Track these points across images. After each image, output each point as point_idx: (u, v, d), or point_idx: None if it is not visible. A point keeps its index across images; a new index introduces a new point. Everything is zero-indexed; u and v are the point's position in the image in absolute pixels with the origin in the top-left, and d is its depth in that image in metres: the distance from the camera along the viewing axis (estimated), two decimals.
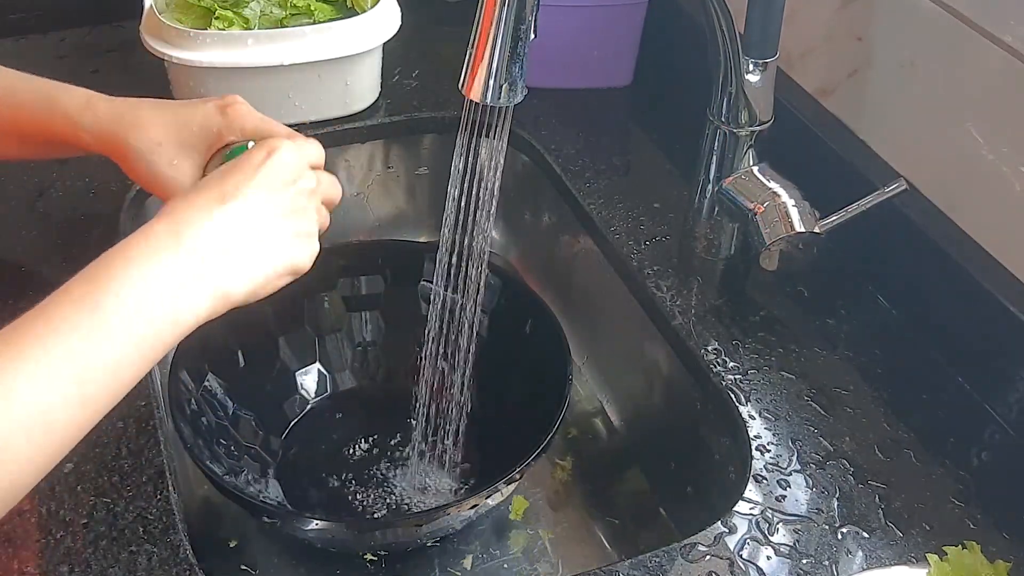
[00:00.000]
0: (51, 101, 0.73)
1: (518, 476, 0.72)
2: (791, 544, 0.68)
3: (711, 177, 0.85)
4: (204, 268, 0.57)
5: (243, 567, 0.81)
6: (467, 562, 0.81)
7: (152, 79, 0.99)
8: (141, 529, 0.66)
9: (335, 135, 1.03)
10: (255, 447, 0.84)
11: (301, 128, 1.01)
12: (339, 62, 0.98)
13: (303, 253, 0.64)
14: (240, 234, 0.60)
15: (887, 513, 0.70)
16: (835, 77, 0.89)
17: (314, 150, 0.68)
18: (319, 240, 0.67)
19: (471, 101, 0.68)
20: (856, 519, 0.69)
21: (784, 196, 0.81)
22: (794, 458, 0.73)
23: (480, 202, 0.75)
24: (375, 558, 0.79)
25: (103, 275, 0.54)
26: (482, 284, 0.79)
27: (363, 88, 1.03)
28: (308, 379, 0.90)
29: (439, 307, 0.80)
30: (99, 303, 0.53)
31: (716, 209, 0.86)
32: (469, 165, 0.74)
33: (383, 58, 1.04)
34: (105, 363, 0.52)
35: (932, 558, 0.64)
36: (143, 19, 0.96)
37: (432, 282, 0.80)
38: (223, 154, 0.71)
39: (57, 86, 0.75)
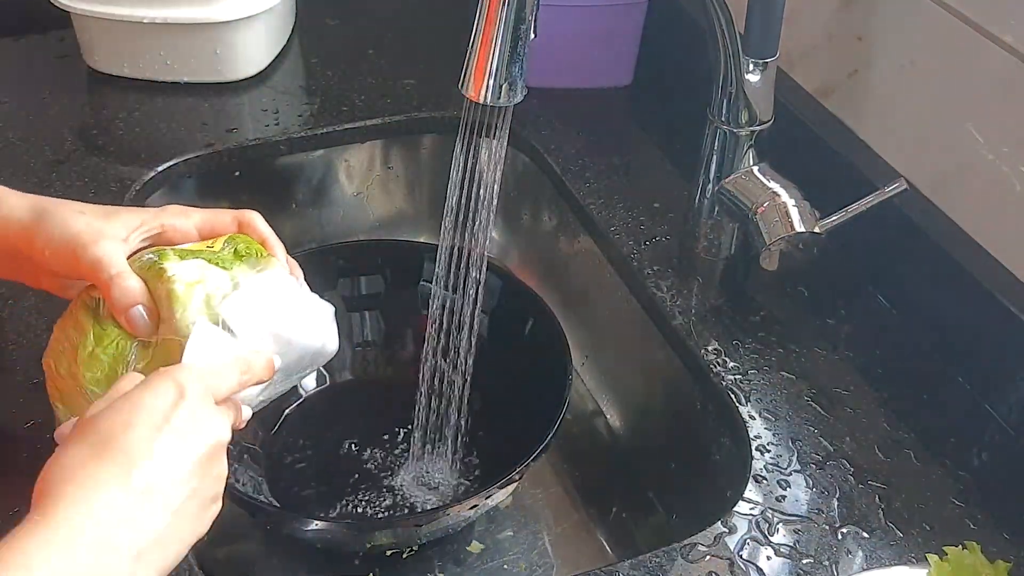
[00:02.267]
0: None
1: (518, 476, 0.72)
2: (791, 544, 0.67)
3: (711, 177, 0.85)
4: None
5: (243, 567, 0.81)
6: (467, 562, 0.81)
7: None
8: None
9: (335, 135, 1.03)
10: (254, 447, 0.84)
11: (177, 87, 1.05)
12: (205, 27, 1.02)
13: (206, 523, 0.55)
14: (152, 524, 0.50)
15: (887, 513, 0.70)
16: (835, 77, 0.89)
17: (216, 373, 0.58)
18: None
19: (471, 101, 0.68)
20: (856, 519, 0.69)
21: (784, 196, 0.81)
22: (794, 458, 0.73)
23: (480, 202, 0.75)
24: (374, 558, 0.79)
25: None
26: (482, 284, 0.79)
27: (236, 57, 1.05)
28: (308, 379, 0.90)
29: (439, 307, 0.80)
30: None
31: (716, 209, 0.86)
32: (469, 165, 0.73)
33: (384, 57, 1.04)
34: None
35: (932, 558, 0.64)
36: None
37: (432, 282, 0.80)
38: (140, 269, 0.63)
39: None
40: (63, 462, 0.50)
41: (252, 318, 0.62)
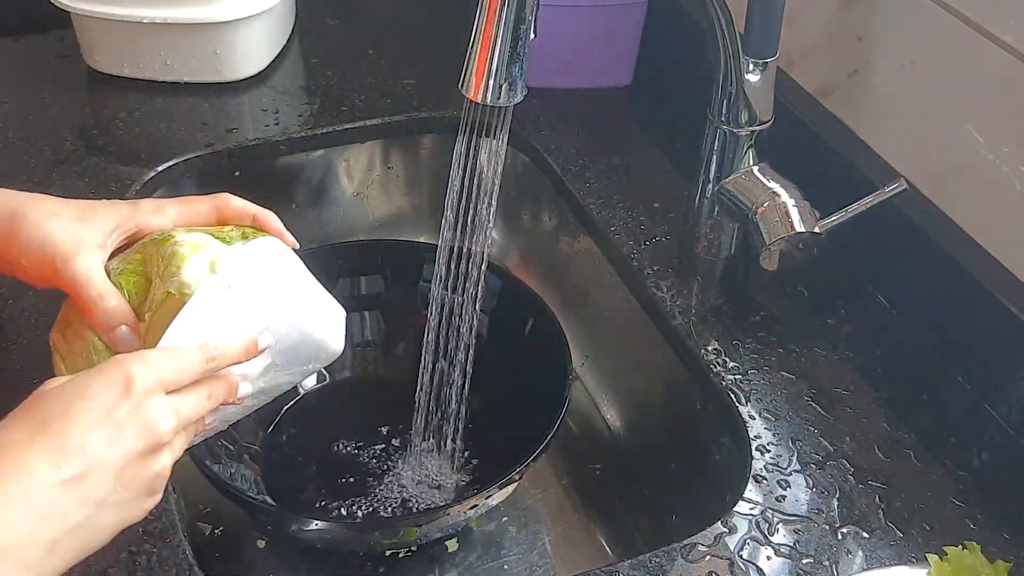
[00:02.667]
0: None
1: (518, 476, 0.72)
2: (791, 544, 0.67)
3: (711, 177, 0.85)
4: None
5: (242, 566, 0.81)
6: (467, 562, 0.81)
7: None
8: (141, 529, 0.66)
9: (335, 135, 1.03)
10: (255, 447, 0.84)
11: (177, 87, 1.05)
12: (205, 27, 1.02)
13: (137, 514, 0.54)
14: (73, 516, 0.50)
15: (887, 513, 0.70)
16: (835, 77, 0.89)
17: (175, 363, 0.56)
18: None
19: (471, 101, 0.68)
20: (856, 519, 0.69)
21: (784, 196, 0.81)
22: (794, 458, 0.73)
23: (480, 202, 0.75)
24: (374, 558, 0.79)
25: None
26: (482, 284, 0.79)
27: (236, 57, 1.05)
28: (308, 379, 0.90)
29: (439, 307, 0.80)
30: None
31: (716, 209, 0.86)
32: (469, 165, 0.73)
33: (384, 57, 1.04)
34: None
35: (932, 558, 0.64)
36: None
37: (432, 282, 0.80)
38: (144, 244, 0.63)
39: None
40: (2, 436, 0.50)
41: (255, 285, 0.61)
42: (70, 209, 0.63)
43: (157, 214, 0.66)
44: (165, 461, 0.54)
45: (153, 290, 0.60)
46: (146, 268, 0.62)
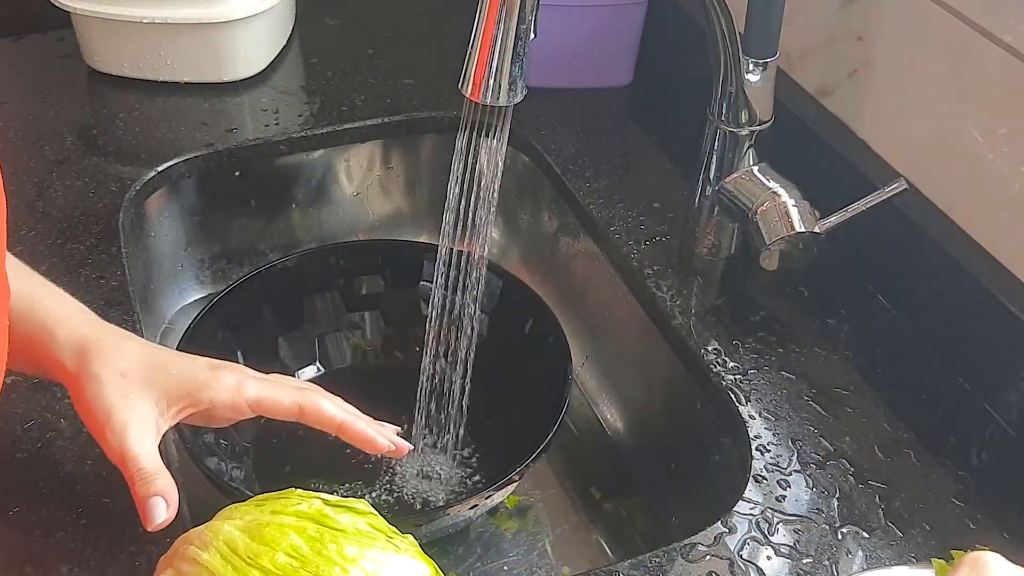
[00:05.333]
0: (31, 304, 0.62)
1: (518, 476, 0.72)
2: (791, 544, 0.67)
3: (711, 177, 0.85)
4: None
5: None
6: (467, 562, 0.81)
7: None
8: (141, 529, 0.66)
9: (335, 135, 1.03)
10: (251, 443, 0.84)
11: (177, 87, 1.04)
12: (205, 27, 1.02)
13: None
14: None
15: (887, 513, 0.70)
16: (835, 77, 0.89)
17: None
18: None
19: (471, 101, 0.68)
20: (856, 519, 0.69)
21: (784, 196, 0.81)
22: (794, 458, 0.73)
23: (480, 202, 0.75)
24: None
25: None
26: (482, 284, 0.79)
27: (236, 57, 1.06)
28: (306, 373, 0.90)
29: (439, 307, 0.80)
30: None
31: (716, 209, 0.86)
32: (469, 165, 0.73)
33: (384, 57, 1.04)
34: None
35: (937, 563, 0.63)
36: None
37: (432, 282, 0.80)
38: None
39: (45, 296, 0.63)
40: None
41: None
42: (140, 365, 0.59)
43: (235, 393, 0.61)
44: None
45: None
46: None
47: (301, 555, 0.51)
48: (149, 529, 0.58)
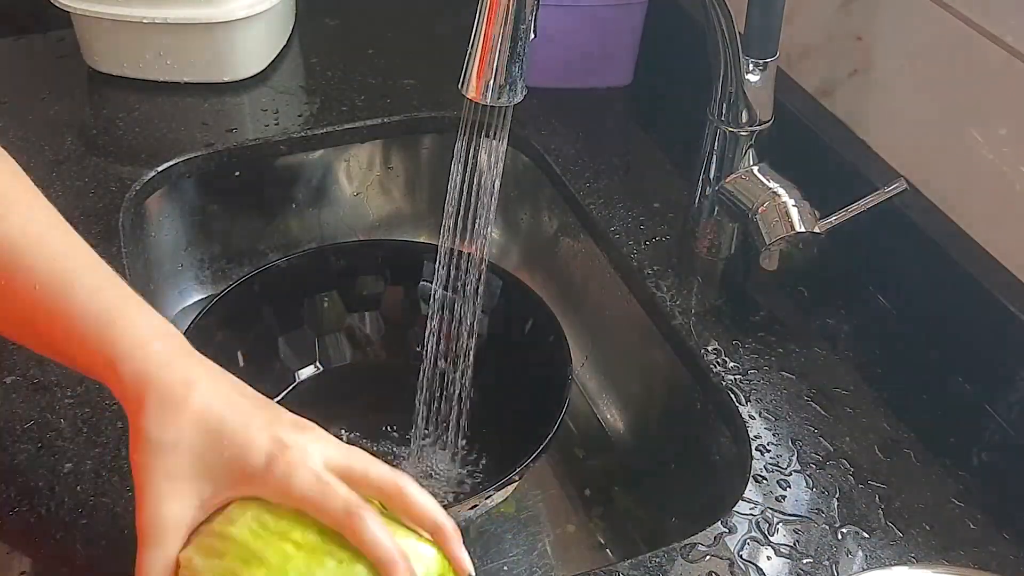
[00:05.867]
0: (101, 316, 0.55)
1: (518, 476, 0.72)
2: (791, 544, 0.67)
3: (711, 177, 0.85)
4: None
5: None
6: None
7: None
8: None
9: (335, 135, 1.03)
10: None
11: (177, 87, 1.04)
12: (205, 27, 1.02)
13: None
14: None
15: (887, 513, 0.70)
16: (835, 77, 0.89)
17: None
18: None
19: (471, 101, 0.68)
20: (856, 519, 0.69)
21: (784, 196, 0.81)
22: (794, 458, 0.73)
23: (480, 202, 0.75)
24: None
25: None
26: (482, 284, 0.79)
27: (236, 57, 1.06)
28: (305, 372, 0.90)
29: (439, 307, 0.80)
30: None
31: (716, 209, 0.86)
32: (469, 165, 0.73)
33: (384, 57, 1.04)
34: None
35: None
36: None
37: (432, 282, 0.80)
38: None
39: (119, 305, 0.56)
40: None
41: None
42: (195, 440, 0.53)
43: (283, 497, 0.53)
44: None
45: None
46: None
47: (330, 530, 0.52)
48: None
